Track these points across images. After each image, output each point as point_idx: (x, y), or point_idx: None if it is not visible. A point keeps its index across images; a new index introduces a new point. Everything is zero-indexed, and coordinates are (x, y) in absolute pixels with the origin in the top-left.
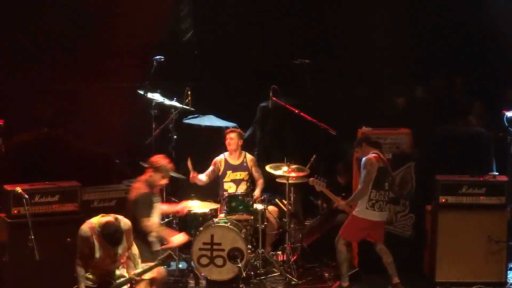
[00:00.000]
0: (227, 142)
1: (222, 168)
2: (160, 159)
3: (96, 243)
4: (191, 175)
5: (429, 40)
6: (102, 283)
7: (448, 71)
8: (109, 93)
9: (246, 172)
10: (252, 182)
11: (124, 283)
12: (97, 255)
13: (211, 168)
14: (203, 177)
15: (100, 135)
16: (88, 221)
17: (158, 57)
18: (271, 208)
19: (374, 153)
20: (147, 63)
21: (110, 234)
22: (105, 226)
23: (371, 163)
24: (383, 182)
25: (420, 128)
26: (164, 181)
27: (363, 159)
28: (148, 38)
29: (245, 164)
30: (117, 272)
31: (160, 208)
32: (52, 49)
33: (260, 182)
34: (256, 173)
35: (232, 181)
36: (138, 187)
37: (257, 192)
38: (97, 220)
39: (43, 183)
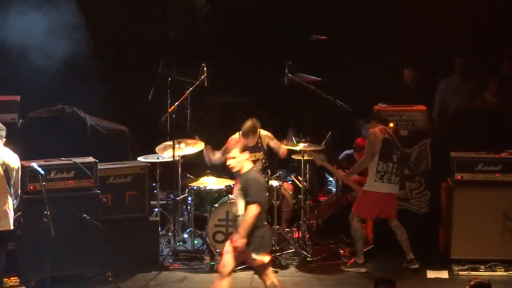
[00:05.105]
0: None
1: None
2: None
3: None
4: (204, 151)
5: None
6: None
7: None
8: (125, 69)
9: (261, 153)
10: (268, 160)
11: None
12: None
13: (226, 146)
14: (217, 154)
15: (115, 111)
16: None
17: (173, 33)
18: (286, 184)
19: (381, 127)
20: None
21: None
22: None
23: (374, 135)
24: (390, 154)
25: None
26: None
27: (368, 132)
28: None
29: (259, 144)
30: None
31: None
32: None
33: (283, 151)
34: (275, 145)
35: None
36: None
37: (283, 150)
38: None
39: (58, 159)
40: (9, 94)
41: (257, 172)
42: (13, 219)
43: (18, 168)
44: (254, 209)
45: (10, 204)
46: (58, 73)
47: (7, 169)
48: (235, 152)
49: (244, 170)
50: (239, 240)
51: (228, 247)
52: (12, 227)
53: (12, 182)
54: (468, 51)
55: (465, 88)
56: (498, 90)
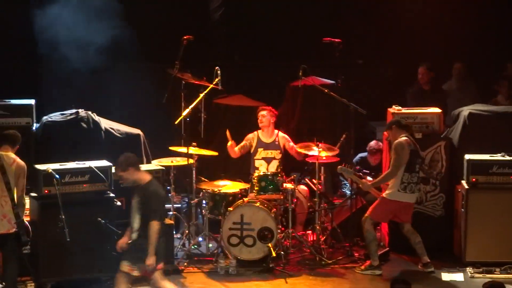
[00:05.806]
0: (259, 119)
1: (254, 145)
2: None
3: None
4: (229, 144)
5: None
6: None
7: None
8: (138, 72)
9: (278, 151)
10: (283, 163)
11: None
12: None
13: (243, 143)
14: (236, 150)
15: (130, 115)
16: None
17: (187, 36)
18: (301, 187)
19: (405, 136)
20: (177, 42)
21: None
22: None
23: (402, 147)
24: (414, 165)
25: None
26: None
27: (394, 142)
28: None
29: (276, 142)
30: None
31: None
32: None
33: (299, 152)
34: (290, 148)
35: (263, 158)
36: None
37: (299, 152)
38: None
39: (73, 162)
40: (24, 98)
41: (157, 183)
42: (14, 223)
43: (22, 174)
44: (156, 226)
45: (8, 207)
46: (72, 77)
47: (6, 173)
48: (118, 172)
49: (143, 182)
50: (150, 258)
51: None
52: (11, 231)
53: (11, 187)
54: (472, 55)
55: (463, 92)
56: (509, 91)
